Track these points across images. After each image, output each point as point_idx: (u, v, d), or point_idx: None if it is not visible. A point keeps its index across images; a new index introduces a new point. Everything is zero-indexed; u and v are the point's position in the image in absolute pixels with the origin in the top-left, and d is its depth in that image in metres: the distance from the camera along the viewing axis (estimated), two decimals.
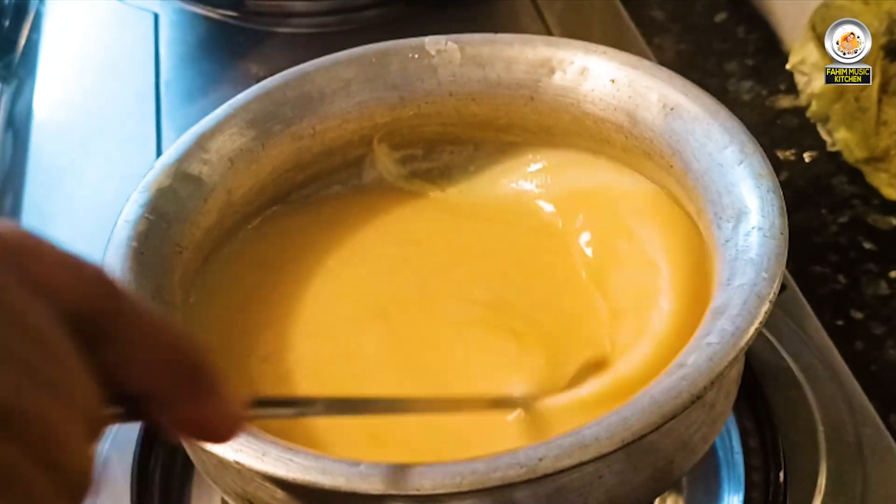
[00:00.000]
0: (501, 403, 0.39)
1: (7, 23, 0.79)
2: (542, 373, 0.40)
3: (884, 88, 0.61)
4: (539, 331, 0.42)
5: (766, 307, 0.35)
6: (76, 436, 0.22)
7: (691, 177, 0.42)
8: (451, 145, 0.51)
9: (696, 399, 0.32)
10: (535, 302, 0.44)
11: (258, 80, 0.47)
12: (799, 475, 0.45)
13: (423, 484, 0.31)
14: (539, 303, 0.44)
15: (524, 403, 0.38)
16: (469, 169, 0.50)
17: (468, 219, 0.49)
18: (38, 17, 0.80)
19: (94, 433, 0.22)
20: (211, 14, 0.75)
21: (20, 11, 0.80)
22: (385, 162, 0.50)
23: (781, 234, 0.37)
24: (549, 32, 0.71)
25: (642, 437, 0.32)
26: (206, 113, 0.46)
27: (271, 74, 0.47)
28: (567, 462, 0.31)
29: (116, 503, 0.46)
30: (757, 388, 0.47)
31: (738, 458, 0.46)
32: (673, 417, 0.32)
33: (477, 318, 0.43)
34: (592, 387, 0.38)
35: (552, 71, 0.46)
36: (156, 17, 0.77)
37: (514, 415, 0.38)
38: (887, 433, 0.47)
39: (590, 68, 0.45)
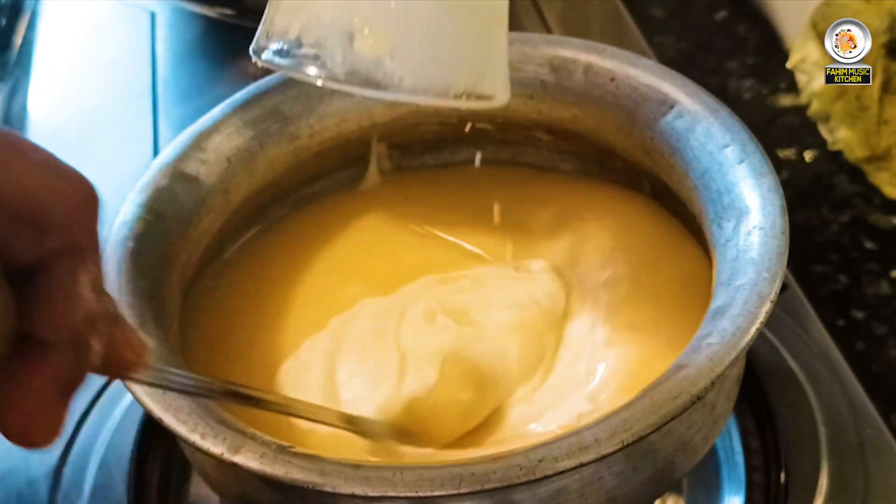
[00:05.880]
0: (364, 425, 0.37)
1: (3, 21, 0.79)
2: None
3: (885, 87, 0.60)
4: None
5: (766, 307, 0.34)
6: None
7: (692, 176, 0.42)
8: (450, 144, 0.51)
9: (697, 400, 0.32)
10: None
11: (255, 80, 0.47)
12: (800, 476, 0.45)
13: (422, 486, 0.31)
14: None
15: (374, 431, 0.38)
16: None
17: (469, 215, 0.48)
18: (34, 15, 0.80)
19: None
20: (208, 13, 0.75)
21: (16, 10, 0.80)
22: (384, 161, 0.50)
23: (782, 233, 0.37)
24: (548, 31, 0.71)
25: (642, 437, 0.32)
26: (203, 112, 0.46)
27: (268, 73, 0.47)
28: (567, 463, 0.31)
29: None
30: (758, 388, 0.47)
31: (739, 458, 0.46)
32: (673, 418, 0.32)
33: None
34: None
35: (552, 70, 0.46)
36: (152, 15, 0.76)
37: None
38: (889, 433, 0.47)
39: (590, 67, 0.45)
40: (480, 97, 0.33)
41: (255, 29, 0.36)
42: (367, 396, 0.39)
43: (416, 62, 0.32)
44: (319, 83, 0.32)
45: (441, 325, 0.41)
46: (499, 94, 0.34)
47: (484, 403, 0.39)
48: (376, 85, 0.32)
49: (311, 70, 0.32)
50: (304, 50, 0.32)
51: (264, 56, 0.34)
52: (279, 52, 0.33)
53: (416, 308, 0.42)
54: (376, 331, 0.41)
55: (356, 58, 0.31)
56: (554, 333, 0.42)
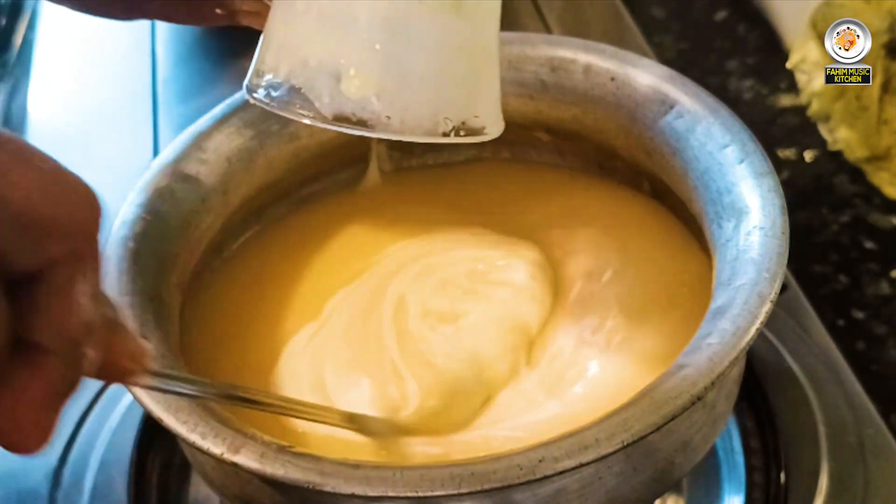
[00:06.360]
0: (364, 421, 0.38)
1: (3, 22, 0.79)
2: None
3: (885, 87, 0.60)
4: None
5: (767, 307, 0.34)
6: None
7: (692, 176, 0.42)
8: (450, 144, 0.50)
9: (697, 400, 0.32)
10: None
11: None
12: (800, 476, 0.45)
13: (422, 486, 0.31)
14: None
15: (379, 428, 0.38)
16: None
17: (469, 213, 0.48)
18: (34, 15, 0.80)
19: None
20: None
21: (16, 10, 0.80)
22: (384, 161, 0.50)
23: (783, 233, 0.37)
24: (549, 31, 0.71)
25: (642, 438, 0.32)
26: (203, 112, 0.46)
27: None
28: (567, 463, 0.31)
29: None
30: (758, 388, 0.47)
31: (739, 458, 0.46)
32: (673, 418, 0.32)
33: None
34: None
35: (553, 70, 0.46)
36: None
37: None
38: (889, 433, 0.47)
39: (590, 67, 0.45)
40: (470, 132, 0.34)
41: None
42: (364, 407, 0.39)
43: (402, 102, 0.32)
44: (307, 122, 0.33)
45: (421, 329, 0.41)
46: (490, 129, 0.34)
47: (470, 403, 0.39)
48: (363, 125, 0.32)
49: (300, 110, 0.33)
50: (293, 89, 0.33)
51: (255, 94, 0.34)
52: (269, 91, 0.34)
53: (392, 307, 0.42)
54: (359, 336, 0.42)
55: (343, 99, 0.32)
56: (535, 329, 0.42)
